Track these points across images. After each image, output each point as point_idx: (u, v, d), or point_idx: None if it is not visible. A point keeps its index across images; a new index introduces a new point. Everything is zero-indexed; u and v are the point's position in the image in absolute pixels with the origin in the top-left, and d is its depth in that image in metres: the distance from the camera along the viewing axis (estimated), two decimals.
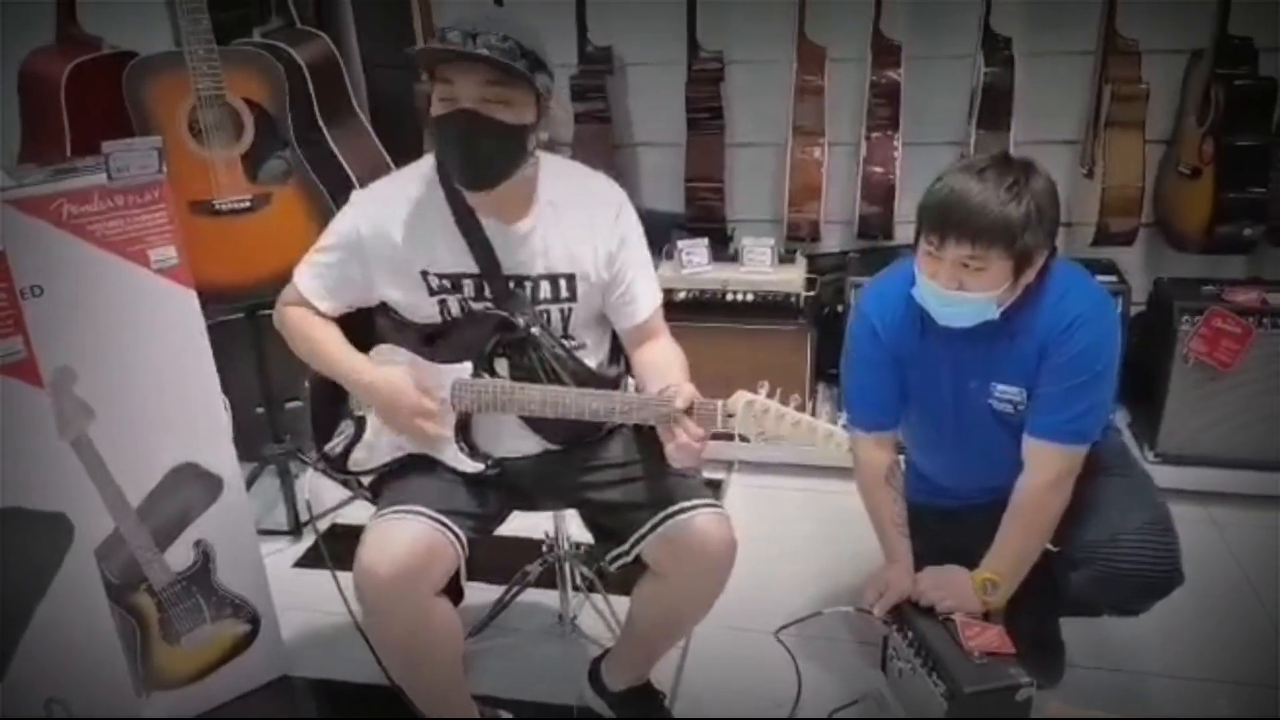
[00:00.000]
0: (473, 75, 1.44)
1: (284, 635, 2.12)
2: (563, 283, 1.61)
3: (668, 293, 2.62)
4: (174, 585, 1.89)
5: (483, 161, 1.49)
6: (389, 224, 1.57)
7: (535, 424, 1.65)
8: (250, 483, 2.52)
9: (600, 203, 1.63)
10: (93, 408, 1.68)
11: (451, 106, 1.45)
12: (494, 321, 1.58)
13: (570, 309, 1.63)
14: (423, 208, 1.58)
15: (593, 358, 1.69)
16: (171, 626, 1.91)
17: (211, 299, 2.18)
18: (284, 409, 2.50)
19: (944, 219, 1.62)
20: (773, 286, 2.63)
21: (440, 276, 1.59)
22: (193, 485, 1.87)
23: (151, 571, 1.84)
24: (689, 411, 1.45)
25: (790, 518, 2.58)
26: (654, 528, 1.59)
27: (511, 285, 1.59)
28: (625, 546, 1.63)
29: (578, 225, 1.60)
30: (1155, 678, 2.00)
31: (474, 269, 1.58)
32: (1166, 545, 1.73)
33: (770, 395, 1.41)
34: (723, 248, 2.80)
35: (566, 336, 1.65)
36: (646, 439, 1.58)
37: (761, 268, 2.66)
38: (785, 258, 2.73)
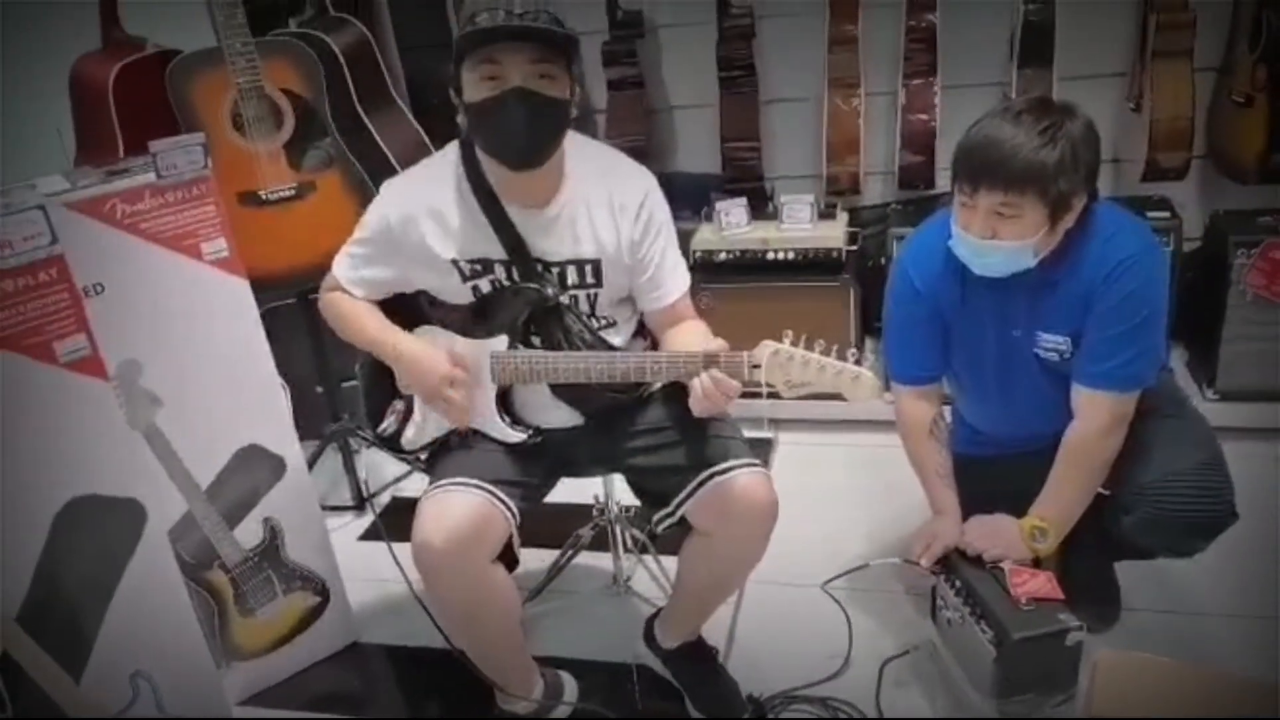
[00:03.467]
0: (521, 54, 1.45)
1: (354, 605, 2.21)
2: (588, 268, 1.63)
3: (708, 255, 2.69)
4: (246, 562, 1.98)
5: (536, 139, 1.51)
6: (417, 213, 1.60)
7: (568, 397, 1.69)
8: (314, 460, 2.62)
9: (626, 190, 1.63)
10: (160, 397, 1.78)
11: (500, 87, 1.46)
12: (525, 295, 1.61)
13: (596, 294, 1.65)
14: (449, 196, 1.60)
15: (620, 334, 1.72)
16: (246, 601, 2.01)
17: (264, 286, 2.25)
18: (341, 388, 2.57)
19: (976, 166, 1.60)
20: (813, 243, 2.62)
21: (470, 262, 1.62)
22: (258, 466, 1.96)
23: (223, 550, 1.94)
24: (715, 362, 1.46)
25: (839, 474, 2.59)
26: (696, 489, 1.61)
27: (539, 267, 1.62)
28: (669, 508, 1.66)
29: (603, 212, 1.61)
30: (1214, 618, 1.98)
31: (502, 254, 1.61)
32: (1217, 485, 1.71)
33: (795, 343, 1.42)
34: (762, 206, 2.78)
35: (594, 316, 1.67)
36: (684, 403, 1.60)
37: (801, 225, 2.64)
38: (825, 213, 2.71)
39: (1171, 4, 2.40)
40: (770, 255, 2.64)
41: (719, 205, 2.68)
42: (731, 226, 2.67)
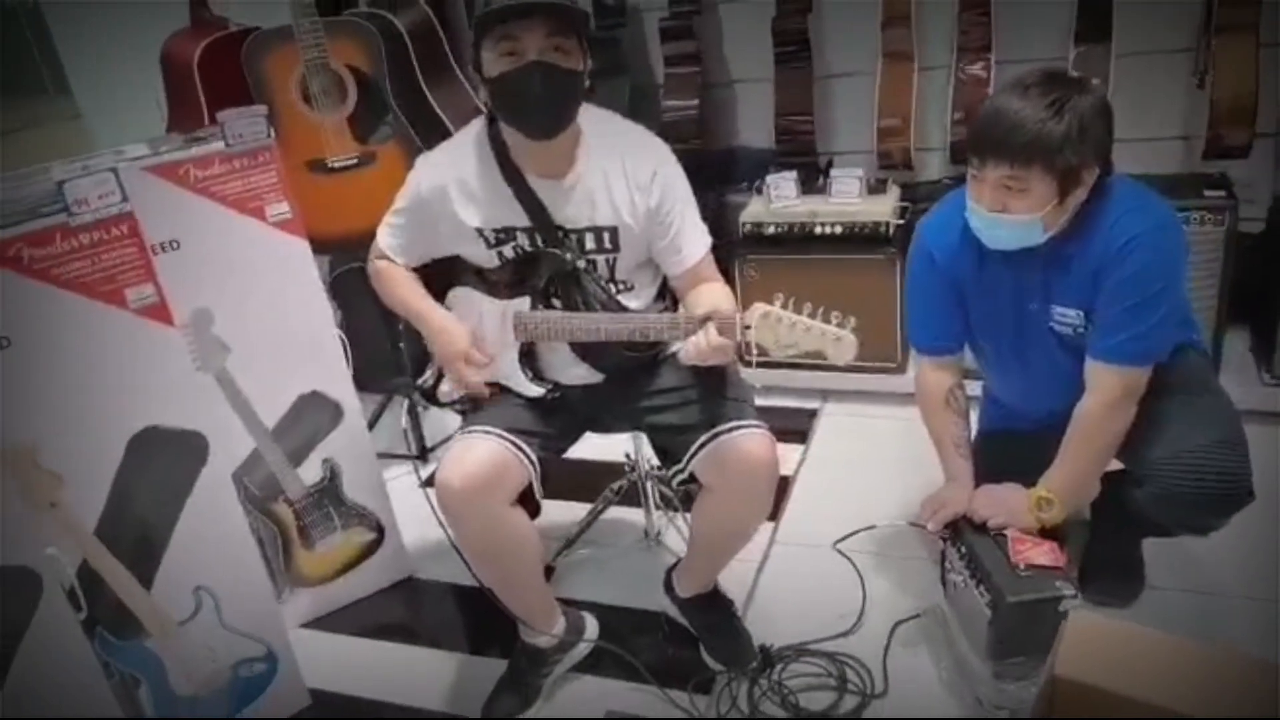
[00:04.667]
0: (538, 29, 1.55)
1: (413, 545, 2.38)
2: (605, 235, 1.72)
3: (757, 227, 2.75)
4: (307, 497, 2.18)
5: (553, 110, 1.62)
6: (446, 186, 1.73)
7: (587, 355, 1.80)
8: (381, 412, 2.84)
9: (640, 159, 1.71)
10: (229, 345, 1.97)
11: (518, 61, 1.57)
12: (546, 259, 1.73)
13: (614, 259, 1.75)
14: (475, 168, 1.72)
15: (639, 298, 1.81)
16: (308, 533, 2.21)
17: (331, 248, 2.44)
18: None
19: (983, 139, 1.64)
20: (861, 217, 2.64)
21: (495, 231, 1.74)
22: (318, 411, 2.15)
23: (287, 485, 2.14)
24: (709, 321, 1.55)
25: (878, 444, 2.63)
26: (703, 445, 1.71)
27: (560, 234, 1.72)
28: (681, 464, 1.75)
29: (618, 181, 1.70)
30: (1241, 600, 1.97)
31: (525, 222, 1.72)
32: (1230, 463, 1.70)
33: (784, 306, 1.50)
34: (814, 180, 2.81)
35: (613, 281, 1.77)
36: (698, 367, 1.69)
37: (849, 198, 2.67)
38: (875, 188, 2.73)
39: None
40: (818, 228, 2.68)
41: (769, 179, 2.73)
42: (780, 199, 2.72)
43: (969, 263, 1.83)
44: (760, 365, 2.42)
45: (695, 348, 1.56)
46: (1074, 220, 1.69)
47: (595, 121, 1.73)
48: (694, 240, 1.76)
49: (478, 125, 1.75)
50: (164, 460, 1.71)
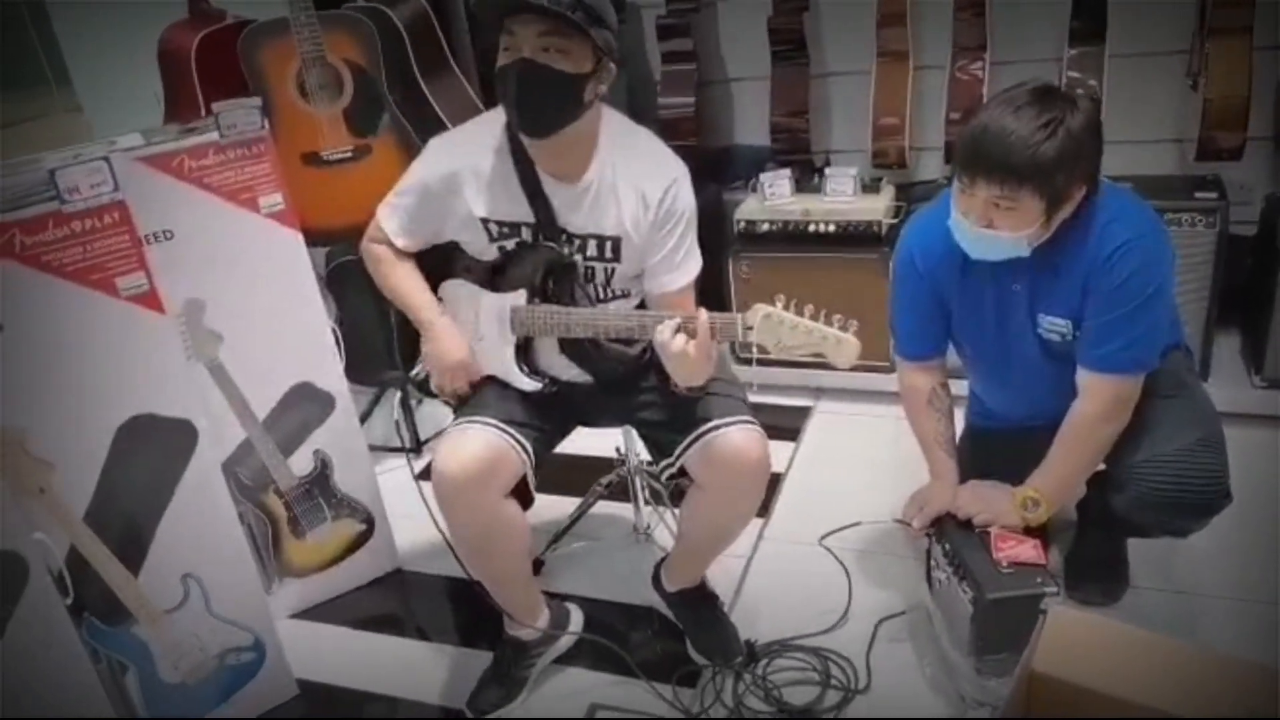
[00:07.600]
0: (531, 26, 1.55)
1: (404, 537, 2.39)
2: (608, 245, 1.72)
3: (750, 224, 2.76)
4: (298, 487, 2.19)
5: (539, 108, 1.59)
6: (457, 172, 1.72)
7: (580, 360, 1.81)
8: (375, 404, 2.84)
9: (653, 176, 1.69)
10: (221, 334, 1.98)
11: (513, 56, 1.57)
12: (543, 253, 1.72)
13: (614, 268, 1.75)
14: (488, 158, 1.70)
15: (632, 305, 1.80)
16: (298, 523, 2.22)
17: (325, 241, 2.45)
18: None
19: (974, 158, 1.61)
20: (854, 215, 2.65)
21: (499, 224, 1.73)
22: (309, 401, 2.15)
23: (278, 475, 2.15)
24: (712, 324, 1.56)
25: (870, 442, 2.64)
26: (694, 441, 1.71)
27: (564, 236, 1.72)
28: (671, 459, 1.76)
29: (629, 194, 1.68)
30: (1220, 600, 1.97)
31: (530, 219, 1.71)
32: (1207, 467, 1.71)
33: (786, 307, 1.50)
34: (809, 179, 2.82)
35: (609, 287, 1.77)
36: None
37: (843, 197, 2.68)
38: (870, 187, 2.74)
39: None
40: (811, 226, 2.68)
41: (763, 176, 2.74)
42: (775, 197, 2.73)
43: (952, 270, 1.81)
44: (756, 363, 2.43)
45: (674, 336, 1.56)
46: (1060, 229, 1.68)
47: (617, 131, 1.71)
48: (685, 266, 1.75)
49: (499, 115, 1.70)
50: (153, 448, 1.72)
